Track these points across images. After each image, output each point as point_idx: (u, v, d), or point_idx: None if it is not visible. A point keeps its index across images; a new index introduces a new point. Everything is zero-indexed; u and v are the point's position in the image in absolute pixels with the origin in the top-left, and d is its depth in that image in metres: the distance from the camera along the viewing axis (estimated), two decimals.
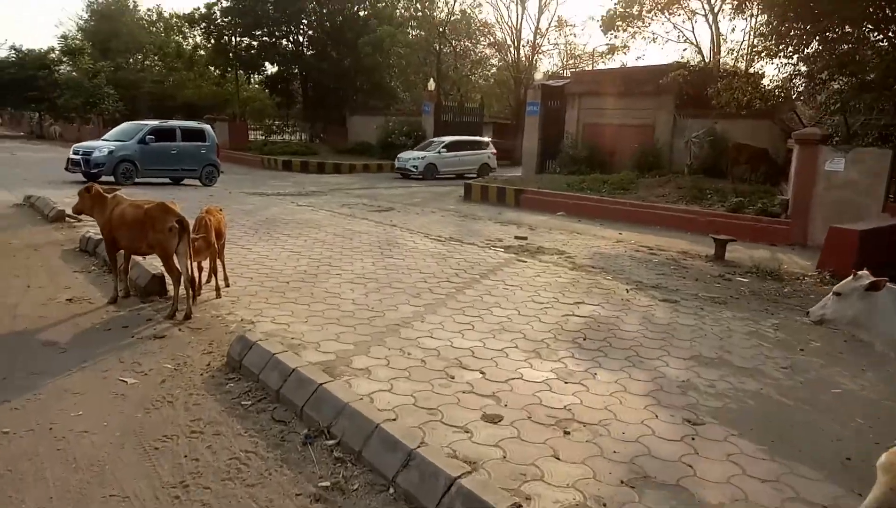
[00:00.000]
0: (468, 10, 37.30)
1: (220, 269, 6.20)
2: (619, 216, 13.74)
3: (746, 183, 15.16)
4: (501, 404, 3.83)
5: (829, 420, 3.85)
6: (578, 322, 5.67)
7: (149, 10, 48.43)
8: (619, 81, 20.87)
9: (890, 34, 14.15)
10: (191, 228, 5.68)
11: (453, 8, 36.03)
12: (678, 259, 9.45)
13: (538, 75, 25.03)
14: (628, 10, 19.91)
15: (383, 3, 35.51)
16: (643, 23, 20.26)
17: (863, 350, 4.86)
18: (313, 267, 7.28)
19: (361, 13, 34.99)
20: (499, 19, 44.95)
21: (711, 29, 19.82)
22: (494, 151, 26.02)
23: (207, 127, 19.37)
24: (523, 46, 38.23)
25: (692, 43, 20.07)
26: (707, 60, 19.78)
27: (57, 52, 39.03)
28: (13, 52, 39.71)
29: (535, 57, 38.78)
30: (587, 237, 11.27)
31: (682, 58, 22.04)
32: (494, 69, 40.90)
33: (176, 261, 5.23)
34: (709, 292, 7.11)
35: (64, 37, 38.58)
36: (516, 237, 10.41)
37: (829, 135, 11.08)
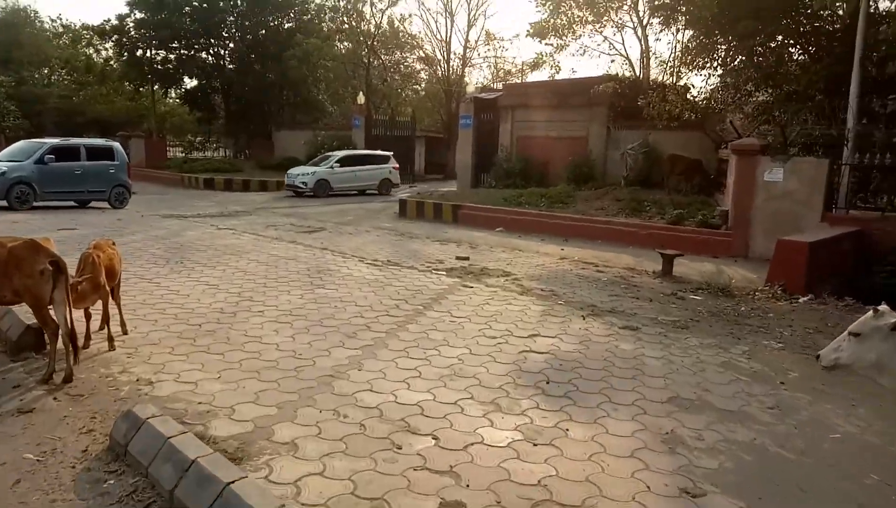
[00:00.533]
0: (397, 23, 36.80)
1: (115, 313, 5.21)
2: (559, 231, 13.35)
3: (682, 194, 15.13)
4: (462, 483, 3.10)
5: (841, 478, 3.33)
6: (538, 360, 5.02)
7: (52, 19, 45.19)
8: (550, 93, 20.73)
9: (810, 48, 14.55)
10: (78, 267, 4.70)
11: (381, 21, 35.36)
12: (626, 277, 9.03)
13: (470, 88, 24.63)
14: (557, 20, 19.78)
15: (309, 16, 34.47)
16: (573, 33, 20.21)
17: (844, 380, 4.42)
18: (232, 303, 6.34)
19: (286, 25, 33.82)
20: (428, 32, 44.64)
21: (641, 42, 20.00)
22: (396, 165, 24.57)
23: (116, 144, 17.79)
24: (453, 60, 38.05)
25: (622, 55, 20.21)
26: (638, 73, 19.92)
27: None
28: None
29: (465, 70, 38.65)
30: (530, 254, 10.75)
31: (612, 70, 22.18)
32: (425, 82, 40.48)
33: (52, 311, 4.25)
34: (668, 315, 6.64)
35: None
36: (458, 258, 9.75)
37: (767, 145, 11.04)
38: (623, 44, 20.40)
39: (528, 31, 19.81)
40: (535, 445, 3.55)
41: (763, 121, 15.58)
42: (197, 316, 5.85)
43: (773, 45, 14.30)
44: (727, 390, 4.54)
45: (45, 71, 40.72)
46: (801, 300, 7.59)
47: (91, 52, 38.54)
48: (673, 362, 5.10)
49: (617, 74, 19.54)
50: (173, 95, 36.85)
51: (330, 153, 24.05)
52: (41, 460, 3.22)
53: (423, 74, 42.58)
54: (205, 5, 29.34)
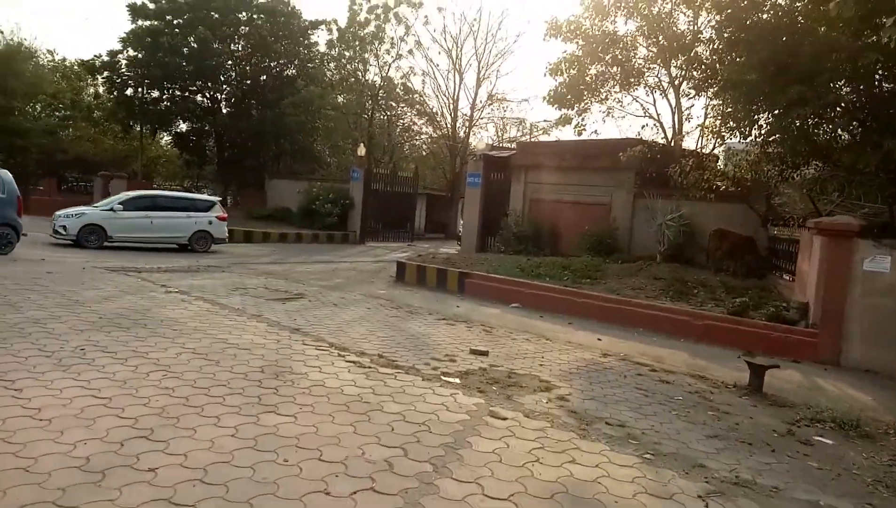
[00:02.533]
0: (401, 78, 35.43)
1: None
2: (588, 312, 10.99)
3: (730, 275, 12.87)
4: None
5: None
6: None
7: (48, 51, 43.75)
8: (571, 154, 18.77)
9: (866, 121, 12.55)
10: None
11: (387, 72, 33.96)
12: (703, 392, 6.59)
13: (481, 145, 22.82)
14: (576, 87, 17.96)
15: (313, 65, 33.06)
16: (597, 97, 18.41)
17: None
18: (112, 446, 3.79)
19: (288, 72, 32.35)
20: (435, 89, 43.46)
21: (672, 105, 18.21)
22: (223, 214, 19.09)
23: (4, 172, 14.18)
24: (459, 118, 36.56)
25: (653, 117, 18.38)
26: (669, 137, 18.01)
27: None
28: None
29: (471, 129, 37.12)
30: (561, 346, 8.34)
31: (641, 134, 20.31)
32: (429, 138, 38.92)
33: None
34: (824, 488, 4.18)
35: None
36: (473, 352, 7.30)
37: (869, 226, 8.82)
38: (654, 105, 18.65)
39: (546, 98, 17.91)
40: None
41: (814, 195, 13.50)
42: (39, 477, 3.33)
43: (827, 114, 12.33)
44: None
45: (38, 106, 39.01)
46: None
47: (81, 86, 36.79)
48: None
49: (650, 140, 17.59)
50: (164, 137, 35.04)
51: (120, 194, 19.61)
52: None
53: (425, 131, 41.17)
54: (198, 46, 27.73)
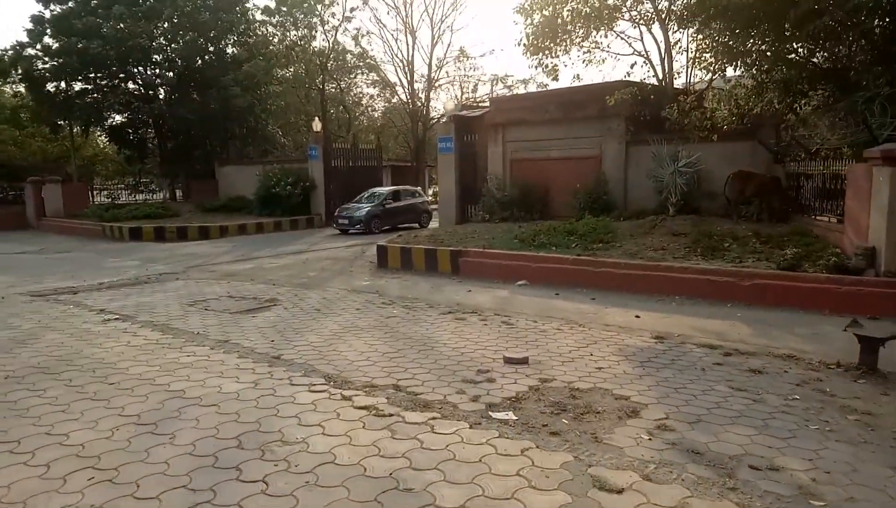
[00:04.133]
0: (353, 43, 32.98)
1: None
2: (611, 283, 9.48)
3: (753, 221, 11.49)
4: None
5: None
6: None
7: None
8: (553, 104, 17.07)
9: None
10: None
11: (335, 38, 31.45)
12: (810, 381, 5.13)
13: (449, 106, 20.87)
14: (553, 28, 16.20)
15: (254, 38, 30.32)
16: (575, 38, 16.66)
17: None
18: None
19: (226, 48, 29.61)
20: (387, 52, 41.06)
21: (659, 41, 16.60)
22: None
23: None
24: (417, 81, 34.37)
25: (641, 54, 16.70)
26: (660, 76, 16.41)
27: None
28: None
29: (430, 92, 34.97)
30: (601, 333, 6.81)
31: (631, 75, 18.73)
32: (387, 105, 36.70)
33: None
34: None
35: None
36: (508, 361, 5.67)
37: None
38: (642, 40, 16.89)
39: (523, 43, 16.20)
40: None
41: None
42: None
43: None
44: None
45: None
46: None
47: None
48: None
49: (634, 81, 15.97)
50: (97, 133, 32.04)
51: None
52: None
53: (382, 98, 38.85)
54: (121, 26, 24.84)
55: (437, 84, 34.87)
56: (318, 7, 29.95)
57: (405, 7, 32.62)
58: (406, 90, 34.21)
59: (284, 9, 30.12)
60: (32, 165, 28.84)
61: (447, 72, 35.54)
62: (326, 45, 31.59)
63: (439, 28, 32.95)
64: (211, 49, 28.92)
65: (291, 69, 31.89)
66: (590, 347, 6.27)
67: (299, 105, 32.04)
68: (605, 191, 15.52)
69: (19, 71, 26.27)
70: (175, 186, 31.21)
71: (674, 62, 16.53)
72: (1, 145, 30.53)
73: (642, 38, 17.17)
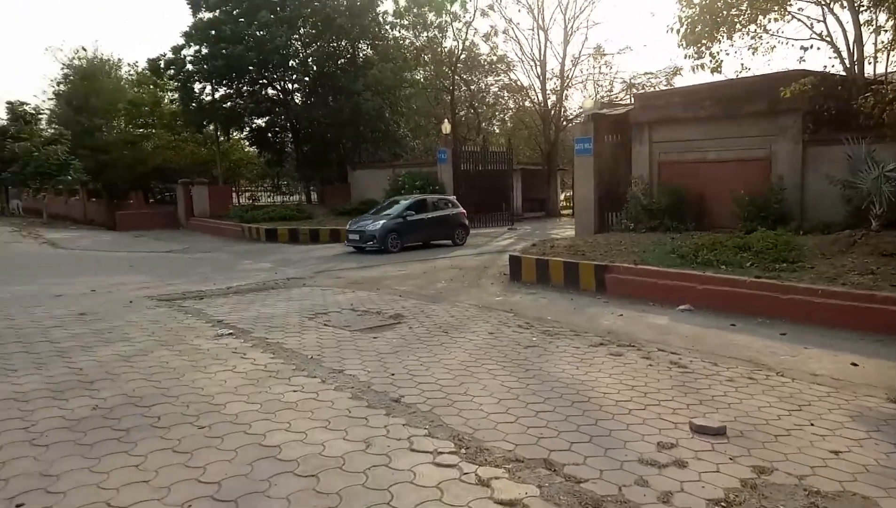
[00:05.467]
0: (483, 43, 32.11)
1: None
2: (803, 314, 7.60)
3: None
4: None
5: None
6: None
7: (129, 64, 43.69)
8: (710, 100, 14.95)
9: None
10: None
11: (466, 37, 30.68)
12: None
13: (588, 103, 19.21)
14: (714, 13, 14.18)
15: (385, 41, 30.34)
16: (744, 26, 14.51)
17: None
18: None
19: (362, 54, 29.84)
20: (518, 52, 39.84)
21: (842, 21, 13.95)
22: None
23: None
24: (550, 80, 32.76)
25: (823, 38, 14.15)
26: (849, 63, 13.78)
27: (5, 120, 33.93)
28: None
29: (563, 92, 33.19)
30: (804, 383, 5.18)
31: (804, 61, 16.14)
32: (517, 107, 35.45)
33: None
34: None
35: (20, 103, 33.41)
36: (697, 429, 4.20)
37: None
38: (824, 20, 14.34)
39: (675, 30, 14.41)
40: None
41: None
42: None
43: None
44: None
45: (122, 120, 38.85)
46: None
47: (159, 95, 36.07)
48: None
49: (813, 71, 13.50)
50: (239, 136, 33.67)
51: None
52: None
53: (510, 101, 37.62)
54: (262, 33, 25.59)
55: (570, 83, 33.09)
56: (449, 5, 29.32)
57: (538, 3, 31.15)
58: (538, 90, 32.76)
59: (416, 10, 29.81)
60: (184, 168, 30.82)
61: (581, 69, 33.57)
62: (457, 44, 30.94)
63: (573, 24, 31.04)
64: (345, 53, 29.28)
65: (422, 72, 31.58)
66: (804, 411, 4.65)
67: (429, 108, 31.68)
68: (776, 199, 13.24)
69: (170, 72, 28.01)
70: (310, 188, 32.01)
71: (864, 47, 13.78)
72: (158, 150, 33.03)
73: (824, 18, 14.46)
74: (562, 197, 36.08)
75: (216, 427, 4.17)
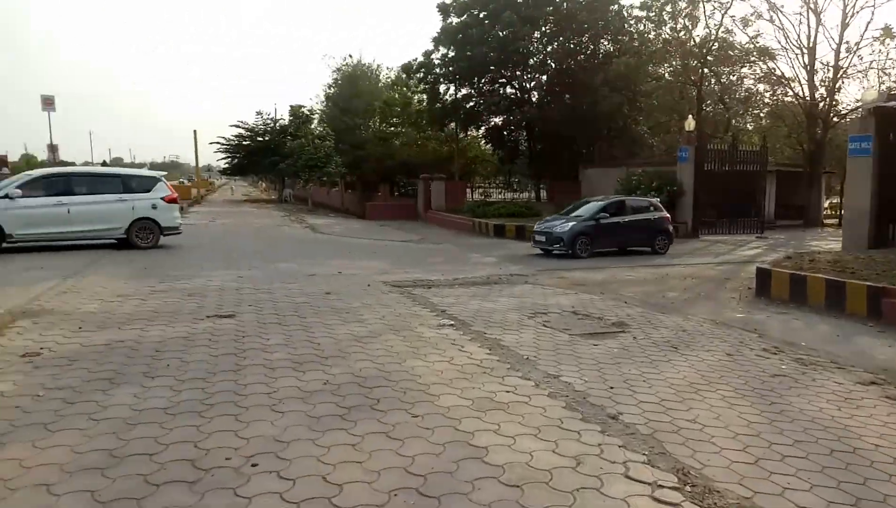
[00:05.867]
0: (739, 30, 29.01)
1: None
2: None
3: None
4: None
5: None
6: None
7: (387, 68, 48.66)
8: None
9: None
10: None
11: (720, 28, 28.04)
12: None
13: (869, 95, 16.17)
14: None
15: (627, 36, 29.12)
16: None
17: None
18: None
19: (599, 48, 29.05)
20: (781, 40, 35.32)
21: None
22: (171, 194, 15.01)
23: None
24: (821, 70, 28.44)
25: None
26: None
27: (287, 120, 40.13)
28: (260, 118, 41.81)
29: (838, 84, 28.55)
30: None
31: None
32: (774, 101, 31.48)
33: None
34: None
35: (299, 106, 39.63)
36: None
37: None
38: None
39: None
40: None
41: None
42: None
43: None
44: None
45: (377, 120, 43.24)
46: None
47: (409, 96, 39.34)
48: None
49: None
50: (476, 134, 35.19)
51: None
52: None
53: (767, 97, 33.48)
54: (505, 33, 26.19)
55: (845, 74, 28.35)
56: None
57: None
58: (803, 82, 28.68)
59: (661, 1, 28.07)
60: (425, 164, 33.11)
61: (861, 56, 28.51)
62: (709, 32, 28.42)
63: (854, 3, 26.47)
64: (584, 50, 28.75)
65: (666, 65, 29.69)
66: None
67: (672, 103, 29.66)
68: None
69: (419, 75, 30.24)
70: (540, 186, 32.21)
71: None
72: (405, 147, 35.97)
73: None
74: (826, 204, 31.31)
75: (428, 419, 4.22)
